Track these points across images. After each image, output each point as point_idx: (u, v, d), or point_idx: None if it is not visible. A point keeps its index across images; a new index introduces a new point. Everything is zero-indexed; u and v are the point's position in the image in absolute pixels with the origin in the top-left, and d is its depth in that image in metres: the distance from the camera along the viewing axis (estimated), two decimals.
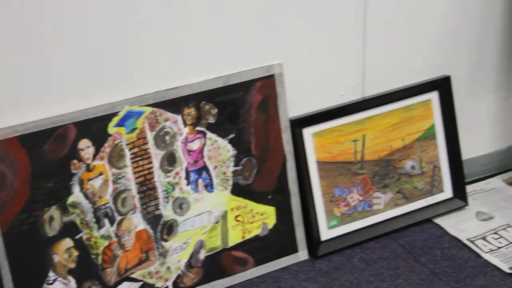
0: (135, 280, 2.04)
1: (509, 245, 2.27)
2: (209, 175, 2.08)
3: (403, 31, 2.29)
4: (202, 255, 2.11)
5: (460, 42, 2.38)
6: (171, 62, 2.00)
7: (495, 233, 2.33)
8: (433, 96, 2.35)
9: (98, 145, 1.94)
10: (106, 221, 1.98)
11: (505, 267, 2.18)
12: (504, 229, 2.34)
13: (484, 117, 2.54)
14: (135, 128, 1.98)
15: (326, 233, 2.26)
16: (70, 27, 1.86)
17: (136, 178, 2.00)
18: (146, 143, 1.99)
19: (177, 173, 2.04)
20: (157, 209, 2.03)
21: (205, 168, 2.07)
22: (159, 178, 2.02)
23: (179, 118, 2.02)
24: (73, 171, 1.93)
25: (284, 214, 2.19)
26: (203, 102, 2.04)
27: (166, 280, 2.08)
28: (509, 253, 2.23)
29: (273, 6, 2.07)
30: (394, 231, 2.33)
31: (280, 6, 2.08)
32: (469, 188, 2.50)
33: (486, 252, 2.24)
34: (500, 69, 2.47)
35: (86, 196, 1.95)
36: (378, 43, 2.26)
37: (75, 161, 1.92)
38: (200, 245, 2.10)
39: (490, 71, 2.46)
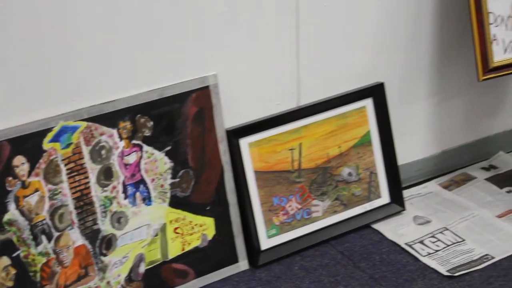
0: None
1: (446, 248, 2.33)
2: (147, 188, 2.10)
3: (337, 39, 2.34)
4: (142, 268, 2.13)
5: (393, 50, 2.45)
6: (105, 75, 2.01)
7: (433, 236, 2.39)
8: (368, 103, 2.41)
9: (33, 161, 1.94)
10: (43, 237, 1.98)
11: (443, 270, 2.24)
12: (441, 232, 2.41)
13: (418, 122, 2.60)
14: (70, 143, 1.99)
15: (266, 242, 2.29)
16: (0, 44, 1.86)
17: (73, 193, 2.00)
18: (82, 158, 2.00)
19: (114, 187, 2.05)
20: (95, 224, 2.04)
21: (142, 181, 2.09)
22: (96, 193, 2.03)
23: (114, 132, 2.04)
24: (8, 188, 1.92)
25: (223, 224, 2.21)
26: (139, 115, 2.06)
27: None
28: (446, 256, 2.30)
29: (205, 17, 2.10)
30: (333, 238, 2.38)
31: (213, 17, 2.11)
32: (406, 193, 2.56)
33: (424, 256, 2.30)
34: (432, 75, 2.54)
35: (22, 213, 1.95)
36: (311, 52, 2.31)
37: (10, 178, 1.92)
38: (140, 259, 2.12)
39: (422, 77, 2.53)
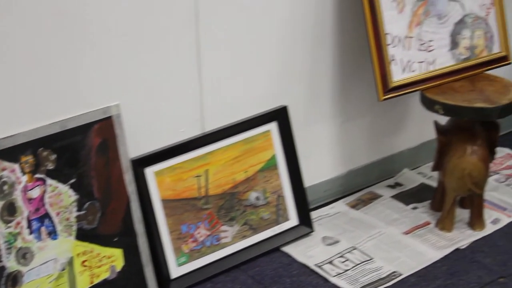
0: None
1: (355, 267, 2.39)
2: (52, 222, 2.09)
3: (239, 63, 2.38)
4: None
5: (295, 73, 2.50)
6: (4, 110, 2.00)
7: (341, 256, 2.44)
8: (272, 127, 2.46)
9: None
10: None
11: None
12: (349, 251, 2.46)
13: (323, 143, 2.66)
14: None
15: (176, 270, 2.30)
16: None
17: None
18: None
19: (18, 223, 2.04)
20: (0, 261, 2.02)
21: (47, 215, 2.08)
22: (0, 230, 2.01)
23: (16, 166, 2.02)
24: None
25: (132, 255, 2.22)
26: (41, 148, 2.05)
27: None
28: (355, 275, 2.35)
29: (104, 45, 2.11)
30: (243, 263, 2.40)
31: (112, 46, 2.13)
32: (314, 214, 2.61)
33: (334, 276, 2.35)
34: (334, 97, 2.61)
35: None
36: (214, 78, 2.34)
37: None
38: None
39: (325, 99, 2.59)
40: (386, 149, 2.83)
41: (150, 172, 2.25)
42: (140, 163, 2.23)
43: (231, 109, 2.40)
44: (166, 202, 2.28)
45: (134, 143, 2.21)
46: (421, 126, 2.83)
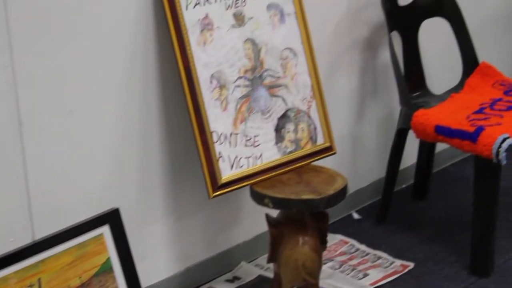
0: None
1: None
2: None
3: (67, 166, 2.40)
4: None
5: (126, 174, 2.54)
6: None
7: None
8: (105, 230, 2.47)
9: None
10: None
11: None
12: None
13: (158, 242, 2.70)
14: None
15: None
16: None
17: None
18: None
19: None
20: None
21: None
22: None
23: None
24: None
25: None
26: None
27: None
28: None
29: None
30: None
31: None
32: None
33: None
34: (166, 195, 2.66)
35: None
36: (41, 184, 2.35)
37: None
38: None
39: (157, 199, 2.64)
40: (223, 243, 2.90)
41: None
42: None
43: (61, 214, 2.40)
44: None
45: None
46: (255, 219, 2.91)
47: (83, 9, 2.32)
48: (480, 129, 2.75)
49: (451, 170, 3.62)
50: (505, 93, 3.06)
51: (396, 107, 3.14)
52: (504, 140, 2.70)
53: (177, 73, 2.46)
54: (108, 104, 2.45)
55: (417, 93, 3.13)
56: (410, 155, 3.29)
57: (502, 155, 2.69)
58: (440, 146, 3.32)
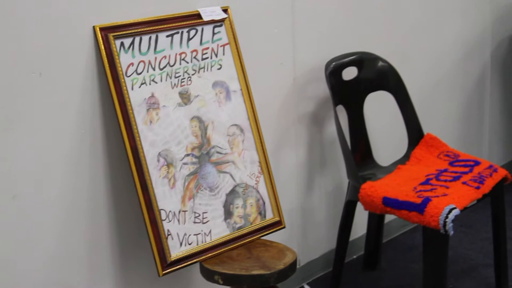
0: None
1: None
2: None
3: (11, 251, 2.39)
4: None
5: (73, 254, 2.52)
6: None
7: None
8: None
9: None
10: None
11: None
12: None
13: None
14: None
15: None
16: None
17: None
18: None
19: None
20: None
21: None
22: None
23: None
24: None
25: None
26: None
27: None
28: None
29: None
30: None
31: None
32: None
33: None
34: (115, 274, 2.64)
35: None
36: None
37: None
38: None
39: (105, 278, 2.62)
40: None
41: None
42: None
43: None
44: None
45: None
46: None
47: (29, 92, 2.34)
48: (427, 200, 2.80)
49: (401, 239, 3.66)
50: (450, 163, 3.13)
51: (344, 179, 3.18)
52: (450, 210, 2.75)
53: (124, 152, 2.47)
54: (54, 187, 2.44)
55: (364, 166, 3.18)
56: (360, 225, 3.33)
57: (449, 225, 2.73)
58: (390, 216, 3.37)
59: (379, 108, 3.33)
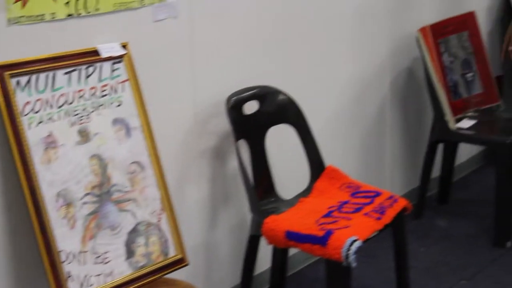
0: None
1: None
2: None
3: None
4: None
5: None
6: None
7: None
8: None
9: None
10: None
11: None
12: None
13: None
14: None
15: None
16: None
17: None
18: None
19: None
20: None
21: None
22: None
23: None
24: None
25: None
26: None
27: None
28: None
29: None
30: None
31: None
32: None
33: None
34: None
35: None
36: None
37: None
38: None
39: None
40: None
41: None
42: None
43: None
44: None
45: None
46: None
47: None
48: (329, 233, 2.83)
49: (305, 272, 3.68)
50: (352, 195, 3.17)
51: (248, 213, 3.19)
52: (352, 242, 2.79)
53: (22, 193, 2.43)
54: None
55: (267, 199, 3.20)
56: (265, 259, 3.33)
57: (352, 257, 2.77)
58: (294, 249, 3.39)
59: (281, 141, 3.36)
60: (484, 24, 4.57)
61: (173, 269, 2.74)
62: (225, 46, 3.18)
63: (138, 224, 2.67)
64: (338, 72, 3.76)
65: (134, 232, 2.65)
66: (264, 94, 3.23)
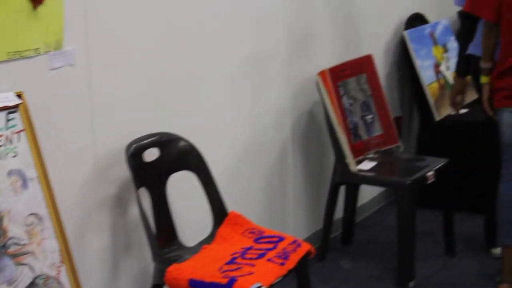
0: None
1: None
2: None
3: None
4: None
5: None
6: None
7: None
8: None
9: None
10: None
11: None
12: None
13: None
14: None
15: None
16: None
17: None
18: None
19: None
20: None
21: None
22: None
23: None
24: None
25: None
26: None
27: None
28: None
29: None
30: None
31: None
32: None
33: None
34: None
35: None
36: None
37: None
38: None
39: None
40: None
41: None
42: None
43: None
44: None
45: None
46: None
47: None
48: (232, 281, 2.82)
49: None
50: (255, 240, 3.17)
51: (151, 262, 3.15)
52: None
53: None
54: None
55: (170, 247, 3.17)
56: None
57: None
58: None
59: (183, 188, 3.34)
60: (382, 66, 4.67)
61: None
62: (124, 93, 3.15)
63: (36, 277, 2.61)
64: (238, 116, 3.77)
65: (32, 286, 2.59)
66: (164, 141, 3.22)
